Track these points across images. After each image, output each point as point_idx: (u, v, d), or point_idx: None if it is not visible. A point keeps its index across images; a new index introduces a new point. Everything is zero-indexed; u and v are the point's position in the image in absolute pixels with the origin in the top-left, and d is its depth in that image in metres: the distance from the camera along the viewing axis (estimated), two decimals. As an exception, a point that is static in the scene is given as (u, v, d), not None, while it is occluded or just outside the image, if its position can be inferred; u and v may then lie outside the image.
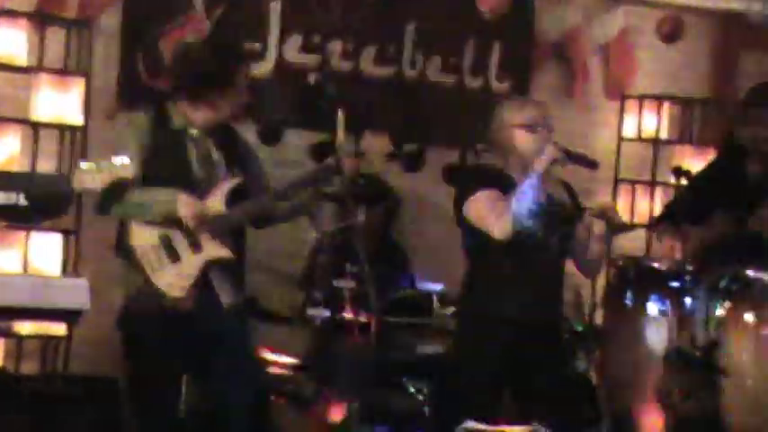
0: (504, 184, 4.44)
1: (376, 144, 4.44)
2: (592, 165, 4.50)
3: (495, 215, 4.34)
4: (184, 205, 4.26)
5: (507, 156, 4.51)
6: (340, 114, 4.46)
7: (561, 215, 4.49)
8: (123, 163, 3.98)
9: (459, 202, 4.49)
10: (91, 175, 3.95)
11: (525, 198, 4.30)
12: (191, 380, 4.60)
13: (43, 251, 5.71)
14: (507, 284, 4.46)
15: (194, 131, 4.40)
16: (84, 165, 3.93)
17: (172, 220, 4.27)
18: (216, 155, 4.43)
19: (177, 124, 4.39)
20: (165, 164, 4.33)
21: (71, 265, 5.78)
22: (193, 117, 4.39)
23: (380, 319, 4.87)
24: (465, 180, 4.64)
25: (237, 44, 5.64)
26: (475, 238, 4.46)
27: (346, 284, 5.11)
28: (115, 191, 4.21)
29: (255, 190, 4.45)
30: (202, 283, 4.34)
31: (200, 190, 4.35)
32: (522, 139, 4.46)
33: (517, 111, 4.52)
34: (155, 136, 4.34)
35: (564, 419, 4.47)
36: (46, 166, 5.77)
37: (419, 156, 6.71)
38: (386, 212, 5.94)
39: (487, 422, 4.36)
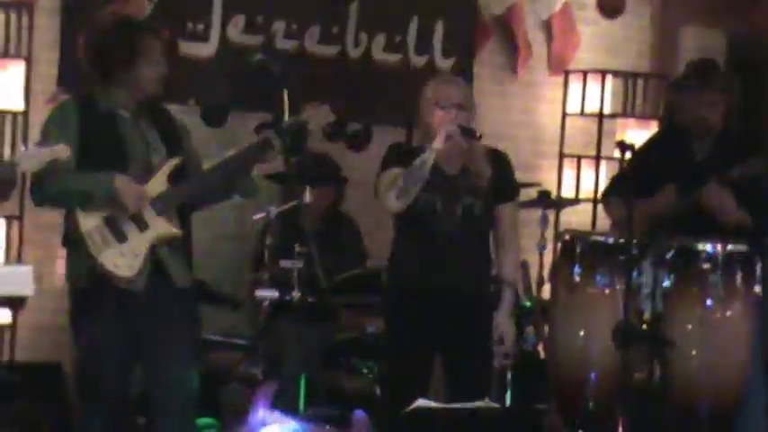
0: None
1: (317, 110, 4.36)
2: (469, 134, 4.54)
3: (389, 190, 4.46)
4: (123, 189, 4.17)
5: (425, 132, 4.56)
6: (284, 94, 4.38)
7: (467, 187, 4.51)
8: (61, 146, 3.91)
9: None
10: (30, 159, 3.88)
11: (415, 172, 4.41)
12: (142, 362, 4.52)
13: (-15, 239, 5.60)
14: (411, 256, 4.56)
15: (125, 113, 4.31)
16: (23, 148, 3.86)
17: (113, 205, 4.18)
18: (150, 136, 4.34)
19: (105, 107, 4.30)
20: (99, 148, 4.25)
21: (15, 252, 5.67)
22: (118, 98, 4.29)
23: (329, 298, 4.82)
24: (386, 158, 4.68)
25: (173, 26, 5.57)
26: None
27: (294, 265, 5.05)
28: (49, 176, 4.13)
29: (193, 168, 4.37)
30: (154, 264, 4.26)
31: (139, 171, 4.26)
32: (435, 117, 4.54)
33: (435, 89, 4.61)
34: (85, 121, 4.25)
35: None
36: (-14, 152, 5.65)
37: (365, 134, 6.66)
38: (334, 192, 5.87)
39: (437, 399, 4.37)
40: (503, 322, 4.62)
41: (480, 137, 4.57)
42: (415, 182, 4.44)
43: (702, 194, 4.84)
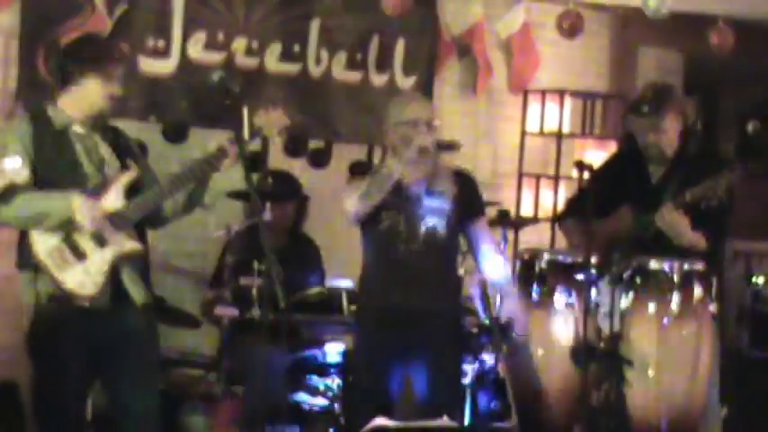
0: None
1: (271, 115, 4.35)
2: (452, 147, 4.61)
3: (353, 193, 4.54)
4: (80, 209, 4.13)
5: (392, 149, 4.58)
6: (244, 112, 4.37)
7: (431, 208, 4.54)
8: (15, 166, 3.86)
9: None
10: None
11: (381, 178, 4.48)
12: (100, 381, 4.48)
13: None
14: (377, 275, 4.61)
15: (79, 129, 4.28)
16: None
17: (70, 226, 4.14)
18: (104, 151, 4.31)
19: (59, 124, 4.27)
20: (53, 164, 4.21)
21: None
22: (72, 113, 4.26)
23: (289, 316, 4.80)
24: (351, 174, 4.81)
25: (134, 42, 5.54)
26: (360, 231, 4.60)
27: (253, 282, 5.03)
28: (5, 198, 4.09)
29: (149, 182, 4.35)
30: (114, 281, 4.22)
31: (92, 187, 4.23)
32: (404, 134, 4.54)
33: (402, 108, 4.63)
34: (38, 138, 4.21)
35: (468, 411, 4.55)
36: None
37: (326, 152, 6.66)
38: (295, 209, 5.86)
39: (398, 417, 4.37)
40: (512, 308, 4.66)
41: (457, 146, 4.62)
42: (379, 187, 4.47)
43: (656, 216, 4.87)
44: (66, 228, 4.15)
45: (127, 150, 4.39)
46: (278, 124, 4.38)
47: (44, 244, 4.16)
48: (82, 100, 4.26)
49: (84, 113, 4.28)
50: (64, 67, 4.28)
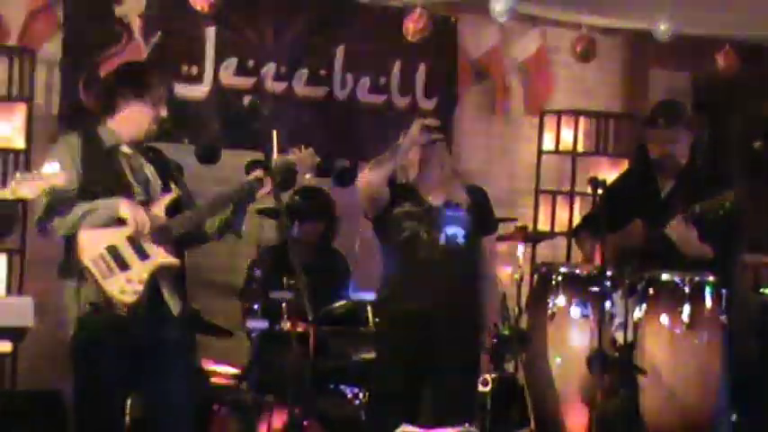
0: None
1: (303, 154, 4.41)
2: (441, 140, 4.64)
3: (362, 172, 4.62)
4: (127, 207, 4.17)
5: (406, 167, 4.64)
6: (274, 134, 4.40)
7: (451, 217, 4.54)
8: (54, 171, 3.88)
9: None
10: (25, 184, 3.85)
11: (391, 152, 4.52)
12: (138, 391, 4.49)
13: (-13, 272, 5.57)
14: (397, 283, 4.59)
15: (126, 149, 4.31)
16: (18, 175, 3.83)
17: (116, 223, 4.16)
18: (149, 171, 4.34)
19: (108, 143, 4.30)
20: (101, 180, 4.24)
21: (16, 285, 5.63)
22: (120, 134, 4.30)
23: (316, 328, 4.80)
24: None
25: (169, 69, 5.61)
26: (378, 239, 4.60)
27: (283, 296, 5.03)
28: (57, 205, 4.12)
29: (186, 203, 4.38)
30: (153, 293, 4.24)
31: (138, 200, 4.26)
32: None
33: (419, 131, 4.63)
34: (88, 155, 4.25)
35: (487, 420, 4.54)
36: (-10, 188, 5.62)
37: (351, 171, 6.66)
38: (324, 226, 5.84)
39: (420, 424, 4.35)
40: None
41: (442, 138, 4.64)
42: (389, 158, 4.49)
43: (668, 228, 4.84)
44: (111, 225, 4.18)
45: (168, 172, 4.42)
46: (310, 162, 4.44)
47: (90, 252, 4.19)
48: (131, 124, 4.30)
49: (132, 136, 4.32)
50: (112, 93, 4.31)
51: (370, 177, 4.54)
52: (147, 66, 4.48)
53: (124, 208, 4.17)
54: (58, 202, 4.12)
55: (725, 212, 4.69)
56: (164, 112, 4.33)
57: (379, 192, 4.56)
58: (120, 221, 4.18)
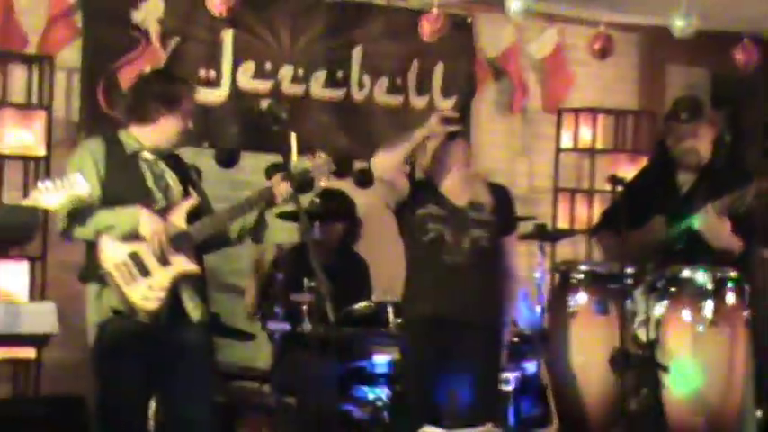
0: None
1: (320, 163, 4.43)
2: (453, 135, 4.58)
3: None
4: (146, 222, 4.18)
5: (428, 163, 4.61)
6: (293, 137, 4.40)
7: (475, 219, 4.52)
8: (76, 181, 3.89)
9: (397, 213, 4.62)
10: (47, 193, 3.86)
11: (406, 137, 4.47)
12: (159, 396, 4.50)
13: (11, 278, 5.58)
14: (422, 285, 4.55)
15: (148, 155, 4.32)
16: (40, 184, 3.84)
17: (136, 236, 4.18)
18: (169, 177, 4.35)
19: (130, 148, 4.31)
20: (122, 186, 4.26)
21: (38, 291, 5.65)
22: (144, 141, 4.31)
23: (338, 330, 4.80)
24: None
25: (187, 73, 5.64)
26: (402, 238, 4.58)
27: (303, 298, 5.03)
28: (77, 214, 4.13)
29: (206, 209, 4.40)
30: (173, 299, 4.25)
31: (159, 210, 4.26)
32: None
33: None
34: (110, 160, 4.26)
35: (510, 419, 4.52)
36: (12, 196, 5.65)
37: (370, 172, 6.63)
38: (346, 227, 5.83)
39: (443, 425, 4.34)
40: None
41: (457, 133, 4.60)
42: (403, 142, 4.46)
43: (697, 220, 4.81)
44: (134, 238, 4.19)
45: (187, 177, 4.43)
46: (326, 169, 4.45)
47: (112, 258, 4.20)
48: (159, 135, 4.31)
49: (157, 145, 4.33)
50: (144, 104, 4.30)
51: (381, 157, 4.50)
52: (178, 78, 4.48)
53: (144, 223, 4.18)
54: (78, 212, 4.13)
55: (747, 208, 4.66)
56: (191, 125, 4.34)
57: (395, 179, 4.52)
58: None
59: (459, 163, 4.58)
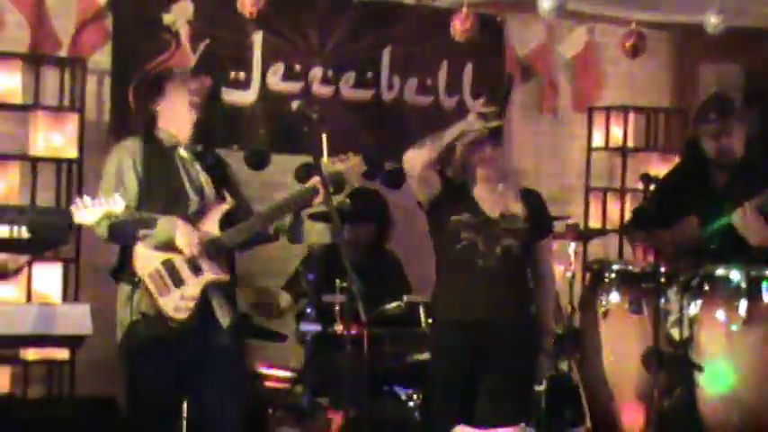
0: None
1: (352, 164, 4.44)
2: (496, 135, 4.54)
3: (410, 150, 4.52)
4: (182, 234, 4.21)
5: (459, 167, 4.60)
6: (323, 138, 4.41)
7: (508, 229, 4.51)
8: (116, 199, 3.92)
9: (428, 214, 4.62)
10: (85, 210, 3.89)
11: (440, 135, 4.44)
12: (190, 398, 4.52)
13: (45, 280, 5.64)
14: (453, 291, 4.54)
15: (183, 152, 4.35)
16: (78, 201, 3.87)
17: (171, 246, 4.21)
18: (204, 178, 4.37)
19: (167, 143, 4.36)
20: (159, 186, 4.31)
21: (72, 292, 5.70)
22: (176, 133, 4.36)
23: (370, 330, 4.80)
24: None
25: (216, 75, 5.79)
26: (433, 241, 4.58)
27: (335, 299, 5.04)
28: (115, 234, 4.20)
29: (242, 213, 4.40)
30: (203, 305, 4.28)
31: (193, 212, 4.29)
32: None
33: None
34: (147, 159, 4.32)
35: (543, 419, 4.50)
36: (45, 198, 5.70)
37: (400, 173, 6.64)
38: (377, 227, 5.83)
39: (476, 425, 4.34)
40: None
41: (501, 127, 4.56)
42: (434, 140, 4.44)
43: (734, 217, 4.78)
44: (164, 247, 4.21)
45: (225, 180, 4.45)
46: (358, 170, 4.46)
47: (146, 266, 4.23)
48: (172, 114, 4.35)
49: (180, 128, 4.35)
50: (150, 91, 4.39)
51: (414, 153, 4.49)
52: (165, 72, 4.61)
53: (179, 235, 4.20)
54: (118, 229, 4.17)
55: None
56: (197, 100, 4.35)
57: (427, 176, 4.50)
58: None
59: (496, 176, 4.54)
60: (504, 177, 4.57)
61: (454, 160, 4.57)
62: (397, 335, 5.26)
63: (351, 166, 4.44)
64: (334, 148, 4.67)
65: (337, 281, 5.00)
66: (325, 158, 4.39)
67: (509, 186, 4.58)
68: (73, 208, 3.89)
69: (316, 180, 4.34)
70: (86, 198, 3.93)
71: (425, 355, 5.09)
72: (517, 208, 4.55)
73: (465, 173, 4.57)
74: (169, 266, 4.24)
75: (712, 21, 6.09)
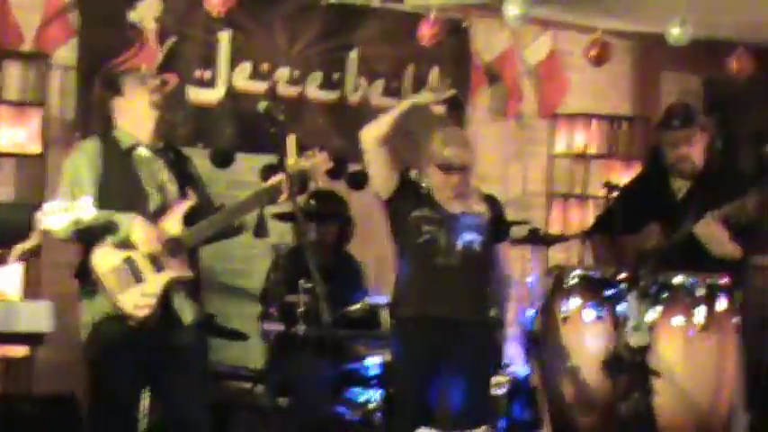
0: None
1: (316, 159, 4.46)
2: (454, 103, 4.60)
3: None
4: (140, 232, 4.20)
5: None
6: (289, 138, 4.42)
7: (469, 224, 4.55)
8: (84, 205, 3.90)
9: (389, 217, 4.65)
10: (53, 217, 3.87)
11: (392, 110, 4.53)
12: (154, 396, 4.52)
13: (6, 277, 5.59)
14: (414, 287, 4.59)
15: (143, 152, 4.34)
16: (46, 206, 3.84)
17: (131, 245, 4.21)
18: (166, 176, 4.37)
19: (125, 144, 4.34)
20: (118, 186, 4.29)
21: (32, 290, 5.67)
22: (132, 131, 4.34)
23: (332, 331, 4.83)
24: None
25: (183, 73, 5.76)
26: (394, 240, 4.62)
27: (299, 300, 5.06)
28: (75, 239, 4.19)
29: (205, 210, 4.40)
30: (164, 303, 4.27)
31: (153, 210, 4.29)
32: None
33: (440, 148, 4.62)
34: (106, 159, 4.30)
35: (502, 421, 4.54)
36: (6, 193, 5.67)
37: (364, 175, 6.68)
38: (339, 229, 5.87)
39: (437, 427, 4.37)
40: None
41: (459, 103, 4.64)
42: (388, 112, 4.50)
43: (698, 227, 4.84)
44: (124, 245, 4.22)
45: (189, 177, 4.45)
46: (323, 167, 4.47)
47: (106, 263, 4.22)
48: (132, 113, 4.33)
49: (140, 128, 4.34)
50: (110, 88, 4.37)
51: (370, 126, 4.55)
52: (122, 71, 4.60)
53: (137, 232, 4.20)
54: (84, 235, 4.17)
55: (747, 217, 4.69)
56: (157, 98, 4.34)
57: (382, 154, 4.52)
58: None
59: (463, 190, 4.58)
60: (467, 181, 4.62)
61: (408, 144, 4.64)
62: (358, 336, 5.29)
63: (315, 163, 4.45)
64: (298, 148, 4.69)
65: (301, 281, 5.02)
66: (293, 159, 4.39)
67: (473, 194, 4.63)
68: (40, 214, 3.86)
69: (281, 177, 4.35)
70: (54, 203, 3.91)
71: (386, 357, 5.13)
72: (480, 207, 4.61)
73: (431, 180, 4.60)
74: (129, 263, 4.23)
75: (675, 32, 6.16)
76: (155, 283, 4.24)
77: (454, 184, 4.52)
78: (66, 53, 5.90)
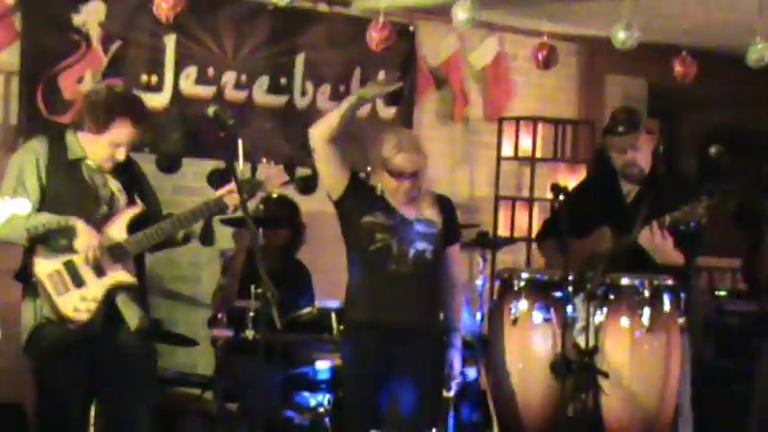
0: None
1: (272, 172, 4.47)
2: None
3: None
4: (81, 236, 4.19)
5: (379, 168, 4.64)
6: (239, 143, 4.43)
7: (422, 233, 4.58)
8: (22, 201, 3.88)
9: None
10: None
11: (338, 109, 4.51)
12: (100, 401, 4.50)
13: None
14: (365, 293, 4.59)
15: (91, 162, 4.32)
16: None
17: (72, 249, 4.19)
18: (114, 184, 4.35)
19: (73, 155, 4.31)
20: (63, 191, 4.26)
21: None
22: (89, 151, 4.31)
23: (282, 336, 4.84)
24: None
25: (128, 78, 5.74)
26: (345, 243, 4.62)
27: (249, 304, 5.06)
28: (8, 236, 4.16)
29: (153, 217, 4.39)
30: (107, 307, 4.26)
31: (100, 218, 4.27)
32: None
33: (392, 154, 4.57)
34: (53, 163, 4.27)
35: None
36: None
37: (312, 179, 6.68)
38: (289, 234, 5.87)
39: (388, 431, 4.40)
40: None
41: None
42: (339, 109, 4.50)
43: (640, 236, 4.90)
44: (65, 251, 4.19)
45: (137, 184, 4.44)
46: (278, 181, 4.48)
47: (46, 266, 4.20)
48: (106, 146, 4.29)
49: (101, 156, 4.31)
50: (96, 114, 4.29)
51: (317, 124, 4.54)
52: (127, 93, 4.54)
53: (78, 238, 4.18)
54: (37, 240, 4.13)
55: (696, 222, 4.75)
56: (139, 137, 4.36)
57: (330, 152, 4.52)
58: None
59: (418, 194, 4.59)
60: (419, 185, 4.63)
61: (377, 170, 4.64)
62: (307, 341, 5.31)
63: (270, 176, 4.47)
64: (247, 153, 4.70)
65: (252, 286, 5.02)
66: (240, 165, 4.40)
67: (426, 196, 4.65)
68: None
69: (230, 187, 4.36)
70: None
71: (335, 362, 5.15)
72: (432, 213, 4.63)
73: (382, 182, 4.61)
74: (70, 267, 4.22)
75: (621, 36, 6.24)
76: (96, 287, 4.22)
77: (406, 189, 4.54)
78: (8, 57, 5.85)
